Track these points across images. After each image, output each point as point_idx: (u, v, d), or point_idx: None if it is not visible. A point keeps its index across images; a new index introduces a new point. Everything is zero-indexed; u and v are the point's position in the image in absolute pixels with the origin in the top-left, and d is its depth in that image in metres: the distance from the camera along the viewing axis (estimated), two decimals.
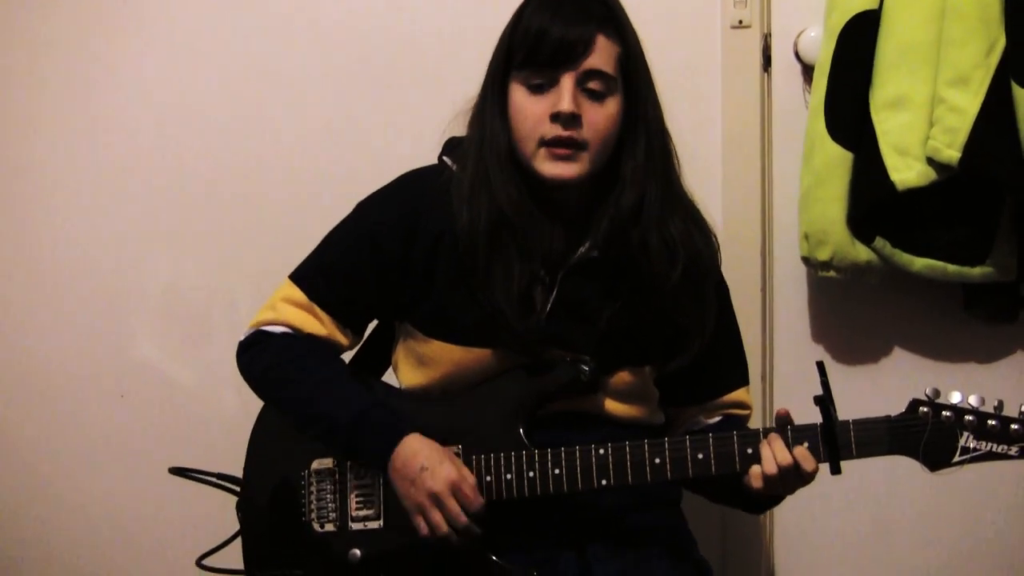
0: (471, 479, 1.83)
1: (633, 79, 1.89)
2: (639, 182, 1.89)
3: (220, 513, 2.09)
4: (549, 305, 1.91)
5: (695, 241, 1.95)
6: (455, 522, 1.81)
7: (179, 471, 2.10)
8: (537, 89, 1.85)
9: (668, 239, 1.90)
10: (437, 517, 1.81)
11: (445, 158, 2.00)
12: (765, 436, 1.81)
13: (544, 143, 1.85)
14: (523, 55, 1.86)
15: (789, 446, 1.79)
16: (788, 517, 2.53)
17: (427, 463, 1.82)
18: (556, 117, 1.83)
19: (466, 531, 1.82)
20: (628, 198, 1.88)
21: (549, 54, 1.83)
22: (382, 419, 1.89)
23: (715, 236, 2.02)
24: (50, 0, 2.68)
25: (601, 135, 1.86)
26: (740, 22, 2.48)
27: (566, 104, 1.82)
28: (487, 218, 1.87)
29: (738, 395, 2.07)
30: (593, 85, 1.84)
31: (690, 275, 1.92)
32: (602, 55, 1.84)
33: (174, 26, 2.64)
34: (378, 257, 1.95)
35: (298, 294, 1.99)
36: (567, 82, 1.83)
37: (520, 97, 1.87)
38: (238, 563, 2.03)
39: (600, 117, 1.85)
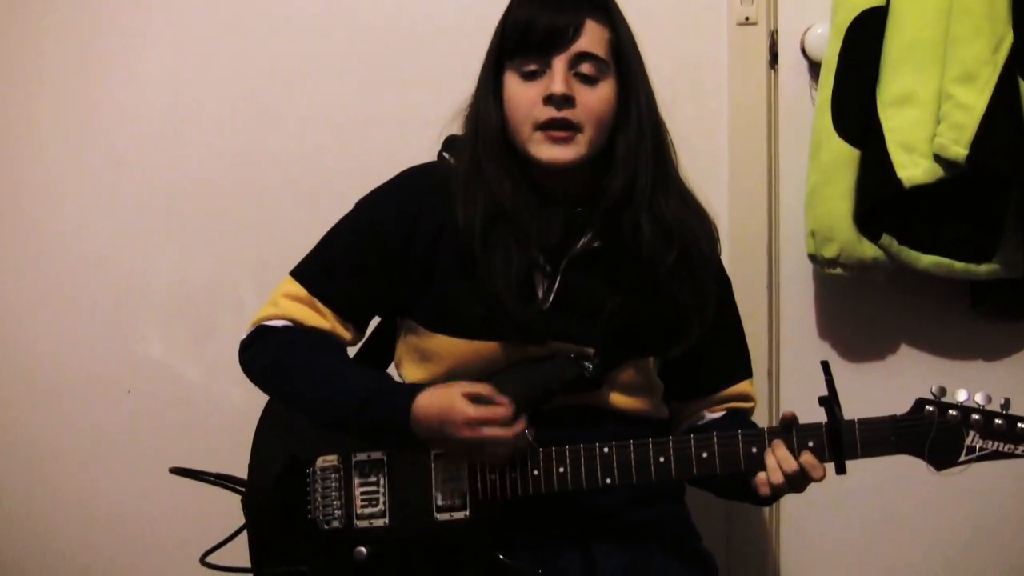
0: (486, 393, 1.81)
1: (625, 64, 1.89)
2: (631, 163, 1.89)
3: (224, 510, 2.09)
4: (552, 295, 1.91)
5: (692, 226, 1.94)
6: (502, 445, 1.80)
7: (180, 471, 2.10)
8: (530, 76, 1.86)
9: (661, 220, 1.90)
10: (488, 452, 1.82)
11: (445, 154, 2.01)
12: (769, 436, 1.81)
13: (539, 126, 1.85)
14: (514, 43, 1.87)
15: (794, 450, 1.79)
16: (793, 510, 2.53)
17: (442, 416, 1.81)
18: (549, 99, 1.84)
19: (515, 445, 1.81)
20: (620, 179, 1.88)
21: (539, 39, 1.84)
22: (390, 391, 1.89)
23: (714, 224, 2.02)
24: None
25: (596, 117, 1.87)
26: (747, 19, 2.48)
27: (558, 86, 1.83)
28: (483, 210, 1.88)
29: (741, 387, 2.08)
30: (585, 68, 1.85)
31: (687, 260, 1.92)
32: (592, 38, 1.85)
33: (179, 23, 2.64)
34: (379, 252, 1.95)
35: (299, 289, 1.99)
36: (559, 65, 1.84)
37: (514, 84, 1.88)
38: (242, 560, 2.03)
39: (594, 99, 1.86)
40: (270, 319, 2.00)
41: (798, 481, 1.79)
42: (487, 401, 1.81)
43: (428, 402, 1.83)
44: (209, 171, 2.64)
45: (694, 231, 1.95)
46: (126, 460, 2.69)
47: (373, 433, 1.91)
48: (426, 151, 2.04)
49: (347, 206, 2.03)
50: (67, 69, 2.67)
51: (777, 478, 1.79)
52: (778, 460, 1.79)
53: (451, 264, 1.92)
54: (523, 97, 1.87)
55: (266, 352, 1.99)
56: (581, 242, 1.92)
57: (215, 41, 2.63)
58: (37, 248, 2.71)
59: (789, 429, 1.80)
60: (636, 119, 1.90)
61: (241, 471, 2.06)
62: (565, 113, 1.84)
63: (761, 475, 1.81)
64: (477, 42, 1.96)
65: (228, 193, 2.64)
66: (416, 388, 1.87)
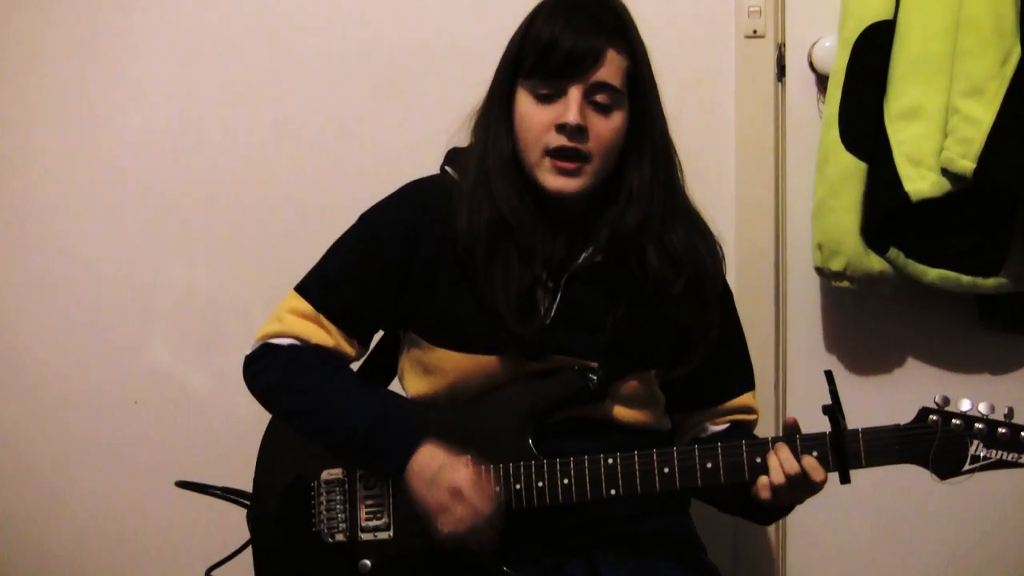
0: (488, 485, 1.82)
1: (640, 92, 1.89)
2: (645, 198, 1.89)
3: (230, 523, 2.09)
4: (553, 310, 1.90)
5: (699, 250, 1.94)
6: (478, 515, 1.79)
7: (186, 484, 2.10)
8: (544, 99, 1.85)
9: (670, 249, 1.90)
10: (460, 510, 1.79)
11: (447, 168, 2.00)
12: (773, 445, 1.80)
13: (548, 153, 1.85)
14: (532, 63, 1.86)
15: (797, 455, 1.78)
16: (799, 522, 2.51)
17: (445, 461, 1.81)
18: (562, 128, 1.83)
19: (485, 529, 1.79)
20: (634, 215, 1.88)
21: (559, 65, 1.83)
22: (398, 429, 1.88)
23: (720, 246, 2.02)
24: (56, 4, 2.69)
25: (605, 148, 1.86)
26: (754, 32, 2.48)
27: (572, 116, 1.82)
28: (487, 222, 1.87)
29: (744, 400, 2.07)
30: (600, 98, 1.85)
31: (694, 284, 1.92)
32: (611, 68, 1.84)
33: (185, 34, 2.66)
34: (382, 266, 1.95)
35: (304, 305, 1.98)
36: (575, 93, 1.83)
37: (526, 104, 1.87)
38: (247, 574, 2.02)
39: (605, 130, 1.85)
40: (275, 336, 1.99)
41: (799, 484, 1.78)
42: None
43: (438, 450, 1.84)
44: (215, 183, 2.66)
45: (700, 255, 1.95)
46: (132, 471, 2.70)
47: (371, 461, 1.91)
48: (430, 164, 2.05)
49: (351, 218, 2.03)
50: (72, 80, 2.69)
51: (778, 478, 1.78)
52: (780, 461, 1.78)
53: (453, 276, 1.92)
54: (535, 120, 1.86)
55: (271, 371, 1.98)
56: (583, 256, 1.92)
57: (222, 53, 2.65)
58: (43, 259, 2.72)
59: (793, 437, 1.80)
60: (650, 150, 1.90)
61: (247, 483, 2.06)
62: (576, 144, 1.84)
63: (763, 478, 1.80)
64: (482, 56, 1.97)
65: (234, 205, 2.65)
66: (422, 435, 1.86)
